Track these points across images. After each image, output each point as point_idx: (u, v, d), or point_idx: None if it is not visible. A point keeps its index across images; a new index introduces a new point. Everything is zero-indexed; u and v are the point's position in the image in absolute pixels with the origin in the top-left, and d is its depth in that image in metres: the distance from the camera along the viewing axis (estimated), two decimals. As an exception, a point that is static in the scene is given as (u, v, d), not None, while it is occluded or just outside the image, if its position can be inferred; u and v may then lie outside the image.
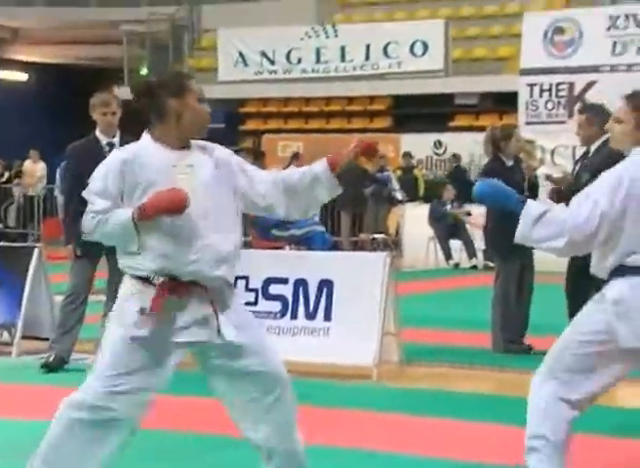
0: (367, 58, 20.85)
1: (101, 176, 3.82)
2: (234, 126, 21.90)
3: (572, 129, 14.55)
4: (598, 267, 4.00)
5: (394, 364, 7.15)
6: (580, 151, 11.51)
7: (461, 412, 5.81)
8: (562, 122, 16.67)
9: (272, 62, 21.72)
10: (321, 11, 23.47)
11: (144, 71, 22.60)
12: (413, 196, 18.15)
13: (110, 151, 4.76)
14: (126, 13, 23.90)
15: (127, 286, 3.87)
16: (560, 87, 16.83)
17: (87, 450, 3.77)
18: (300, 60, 21.39)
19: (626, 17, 16.25)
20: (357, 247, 16.87)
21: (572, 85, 16.68)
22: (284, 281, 6.95)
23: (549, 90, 16.90)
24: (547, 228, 3.84)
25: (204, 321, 3.79)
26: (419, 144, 19.50)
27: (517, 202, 3.89)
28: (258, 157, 11.84)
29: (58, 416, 3.81)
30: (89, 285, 7.09)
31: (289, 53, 21.35)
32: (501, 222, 7.88)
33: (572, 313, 7.87)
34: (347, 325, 6.86)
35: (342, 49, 21.03)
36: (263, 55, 21.56)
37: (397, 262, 9.54)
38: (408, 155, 19.30)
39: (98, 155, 5.78)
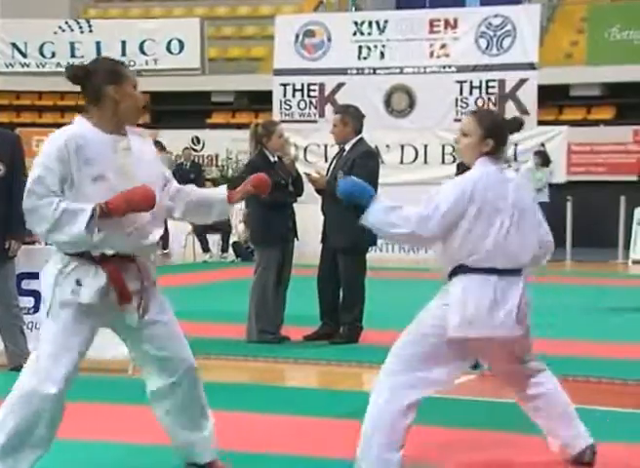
0: (123, 53, 20.78)
1: (48, 160, 3.89)
2: (-15, 119, 21.18)
3: (323, 127, 15.13)
4: (442, 265, 4.32)
5: (150, 357, 7.23)
6: (331, 150, 12.04)
7: (217, 402, 5.92)
8: (314, 121, 17.33)
9: (24, 55, 21.26)
10: (75, 5, 23.13)
11: None
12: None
13: None
14: None
15: (57, 265, 3.94)
16: (311, 87, 17.46)
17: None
18: (54, 54, 21.05)
19: (369, 23, 17.08)
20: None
21: (322, 86, 17.36)
22: (36, 276, 6.92)
23: (301, 90, 17.50)
24: (398, 218, 4.20)
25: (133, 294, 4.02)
26: (177, 140, 19.61)
27: (370, 195, 4.24)
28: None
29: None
30: None
31: (42, 46, 21.03)
32: (264, 214, 7.96)
33: (322, 305, 8.12)
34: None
35: (98, 44, 20.89)
36: (15, 47, 21.13)
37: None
38: (159, 144, 19.11)
39: None
